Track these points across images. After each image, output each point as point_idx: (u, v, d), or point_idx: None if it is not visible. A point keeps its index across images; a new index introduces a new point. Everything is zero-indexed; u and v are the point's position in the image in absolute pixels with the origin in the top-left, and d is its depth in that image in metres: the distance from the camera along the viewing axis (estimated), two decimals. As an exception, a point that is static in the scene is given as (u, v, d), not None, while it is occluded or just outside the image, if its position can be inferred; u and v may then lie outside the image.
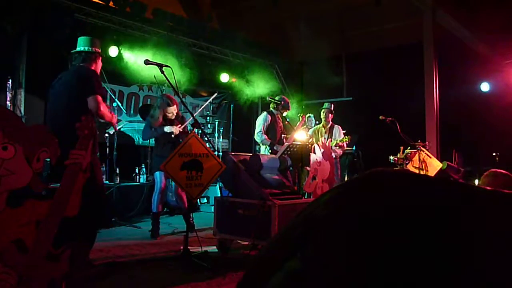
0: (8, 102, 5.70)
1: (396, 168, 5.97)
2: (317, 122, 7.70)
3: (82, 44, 3.73)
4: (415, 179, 0.61)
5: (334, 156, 6.49)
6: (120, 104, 7.03)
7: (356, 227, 0.54)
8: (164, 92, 5.99)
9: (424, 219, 0.54)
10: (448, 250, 0.52)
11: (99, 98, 3.47)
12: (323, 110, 6.96)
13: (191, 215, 5.24)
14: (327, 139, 6.61)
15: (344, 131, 6.93)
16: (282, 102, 6.03)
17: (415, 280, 0.50)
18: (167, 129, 4.85)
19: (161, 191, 4.96)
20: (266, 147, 5.96)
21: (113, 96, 6.90)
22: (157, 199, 4.94)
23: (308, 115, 7.95)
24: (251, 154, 4.92)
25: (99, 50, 3.80)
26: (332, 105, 7.05)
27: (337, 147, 6.60)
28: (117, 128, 4.27)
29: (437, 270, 0.50)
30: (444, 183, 0.60)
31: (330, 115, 6.92)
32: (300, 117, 6.37)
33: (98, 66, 3.78)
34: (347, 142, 6.61)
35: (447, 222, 0.54)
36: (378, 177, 0.61)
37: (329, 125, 6.91)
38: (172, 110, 4.94)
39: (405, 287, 0.50)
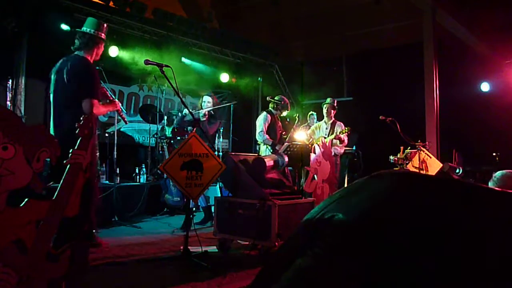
0: (8, 102, 5.70)
1: (396, 169, 5.97)
2: (319, 121, 7.69)
3: (89, 26, 3.84)
4: (414, 181, 0.61)
5: (334, 154, 6.39)
6: (120, 104, 7.03)
7: (365, 228, 0.55)
8: (164, 92, 6.00)
9: (430, 219, 0.54)
10: (451, 249, 0.53)
11: (94, 101, 3.61)
12: (325, 105, 6.65)
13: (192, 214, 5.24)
14: (328, 136, 6.49)
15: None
16: (282, 102, 6.03)
17: (419, 279, 0.50)
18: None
19: None
20: (266, 147, 5.94)
21: (113, 96, 6.90)
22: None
23: (310, 113, 7.92)
24: (251, 154, 4.91)
25: (103, 36, 3.92)
26: (335, 101, 6.73)
27: (338, 142, 6.35)
28: (124, 117, 4.36)
29: (443, 270, 0.50)
30: (450, 183, 0.60)
31: (332, 111, 6.60)
32: (297, 117, 6.34)
33: (99, 51, 3.93)
34: (347, 134, 6.29)
35: (452, 222, 0.55)
36: (386, 178, 0.62)
37: (331, 121, 6.63)
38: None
39: (408, 286, 0.50)
